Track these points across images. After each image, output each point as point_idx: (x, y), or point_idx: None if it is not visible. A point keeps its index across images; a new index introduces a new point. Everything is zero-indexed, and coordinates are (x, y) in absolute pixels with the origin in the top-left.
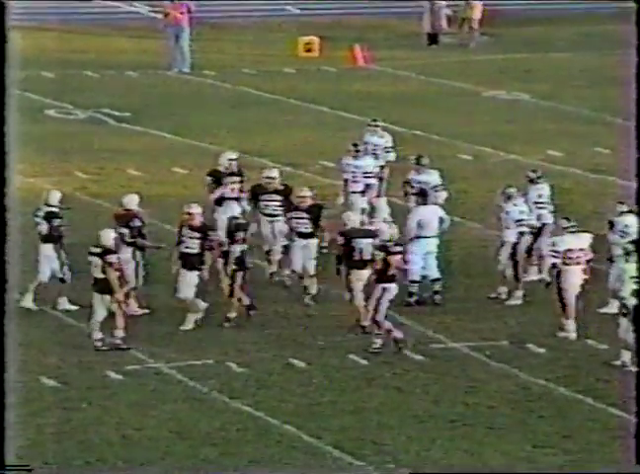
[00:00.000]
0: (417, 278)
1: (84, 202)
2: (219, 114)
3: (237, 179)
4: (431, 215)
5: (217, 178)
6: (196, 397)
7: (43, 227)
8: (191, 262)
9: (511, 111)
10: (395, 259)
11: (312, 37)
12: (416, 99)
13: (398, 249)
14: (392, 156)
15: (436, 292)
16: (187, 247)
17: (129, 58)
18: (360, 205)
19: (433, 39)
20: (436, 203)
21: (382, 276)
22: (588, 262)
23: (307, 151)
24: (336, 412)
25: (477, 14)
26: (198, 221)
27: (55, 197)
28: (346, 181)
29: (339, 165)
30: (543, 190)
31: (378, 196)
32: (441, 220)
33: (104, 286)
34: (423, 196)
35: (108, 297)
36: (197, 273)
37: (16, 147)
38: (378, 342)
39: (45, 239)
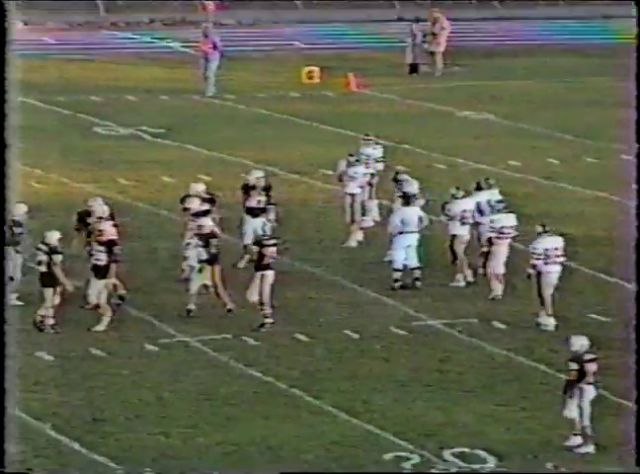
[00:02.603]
0: (400, 267)
1: (125, 205)
2: (237, 130)
3: (263, 193)
4: (412, 215)
5: (247, 191)
6: (217, 365)
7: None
8: (100, 272)
9: (478, 128)
10: (269, 250)
11: (314, 66)
12: (400, 118)
13: (272, 242)
14: (382, 165)
15: (416, 279)
16: (96, 259)
17: (163, 85)
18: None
19: (413, 68)
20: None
21: (259, 264)
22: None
23: (310, 162)
24: (333, 378)
25: (441, 48)
26: (105, 237)
27: (22, 209)
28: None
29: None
30: (494, 194)
31: (370, 198)
32: (421, 219)
33: (49, 280)
34: (405, 198)
35: (51, 290)
36: (104, 281)
37: (69, 159)
38: (268, 320)
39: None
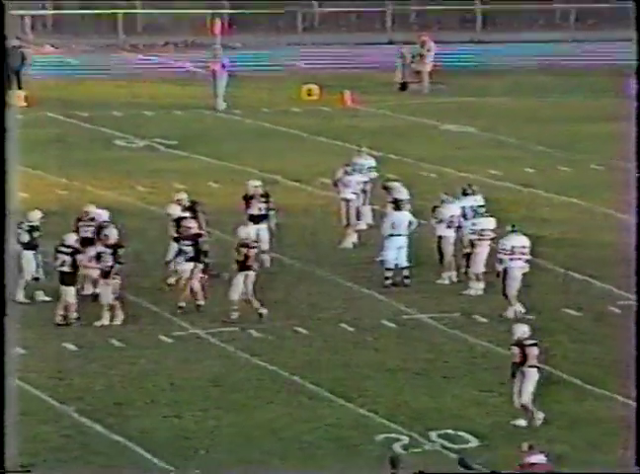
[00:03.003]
0: (391, 266)
1: (142, 209)
2: (244, 142)
3: (263, 199)
4: (402, 219)
5: (248, 200)
6: (225, 355)
7: (25, 237)
8: (105, 273)
9: (461, 140)
10: (251, 252)
11: (313, 85)
12: (391, 131)
13: (255, 245)
14: (374, 174)
15: (405, 277)
16: (103, 261)
17: (176, 101)
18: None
19: (403, 86)
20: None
21: (243, 265)
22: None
23: (310, 171)
24: (330, 366)
25: (428, 67)
26: (112, 241)
27: (37, 215)
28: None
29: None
30: (478, 200)
31: (363, 204)
32: (410, 223)
33: (70, 279)
34: (396, 204)
35: (72, 288)
36: (113, 281)
37: (91, 168)
38: (263, 310)
39: (26, 246)
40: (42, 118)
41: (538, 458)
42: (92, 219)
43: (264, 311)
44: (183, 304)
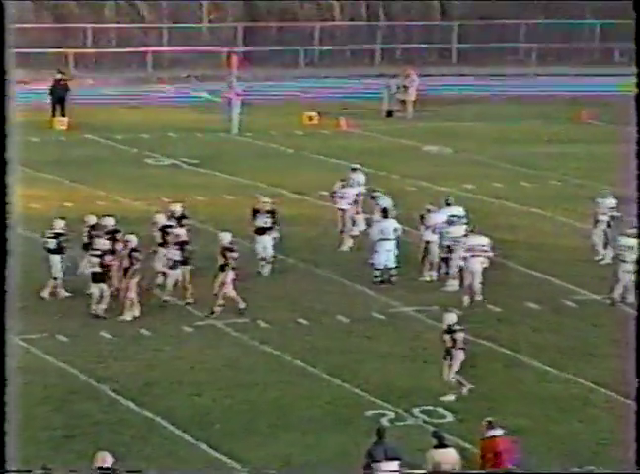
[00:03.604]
0: (381, 267)
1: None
2: (254, 160)
3: (267, 215)
4: (388, 226)
5: (255, 214)
6: (238, 343)
7: (53, 243)
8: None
9: (440, 159)
10: (231, 255)
11: (313, 112)
12: (379, 151)
13: (235, 247)
14: (364, 188)
15: (392, 276)
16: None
17: (196, 125)
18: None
19: (389, 113)
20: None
21: (225, 266)
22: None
23: (310, 185)
24: (328, 352)
25: (411, 96)
26: (133, 245)
27: (60, 224)
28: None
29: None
30: (459, 211)
31: (357, 213)
32: (396, 229)
33: (101, 277)
34: (384, 213)
35: (103, 285)
36: (134, 281)
37: (125, 183)
38: (217, 310)
39: (54, 251)
40: (83, 140)
41: (497, 432)
42: (92, 227)
43: (217, 310)
44: (168, 298)
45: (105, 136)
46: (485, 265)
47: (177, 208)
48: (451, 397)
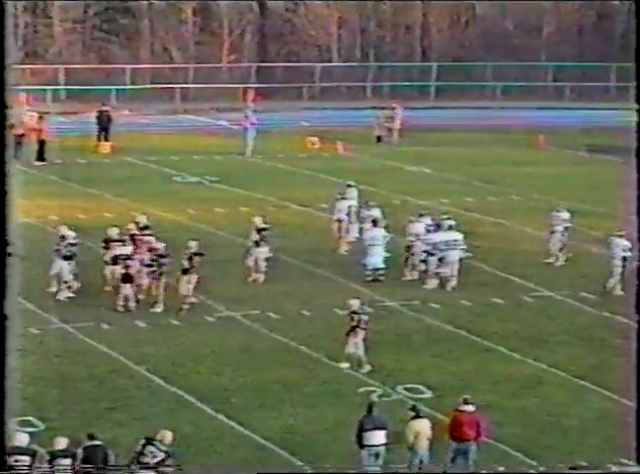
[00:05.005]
0: (371, 268)
1: (191, 226)
2: (264, 178)
3: (257, 231)
4: (378, 233)
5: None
6: (251, 331)
7: (64, 251)
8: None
9: (421, 177)
10: (197, 259)
11: (314, 137)
12: (370, 171)
13: (200, 252)
14: (357, 202)
15: (381, 275)
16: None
17: (217, 149)
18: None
19: (379, 139)
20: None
21: (189, 269)
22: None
23: (312, 198)
24: (327, 339)
25: (397, 125)
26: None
27: (71, 234)
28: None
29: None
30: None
31: (351, 222)
32: (384, 236)
33: (127, 278)
34: (374, 222)
35: (128, 285)
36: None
37: (156, 197)
38: (185, 307)
39: (65, 258)
40: (123, 162)
41: (469, 408)
42: (63, 238)
43: (185, 308)
44: (142, 297)
45: (140, 158)
46: (462, 255)
47: (142, 218)
48: (345, 365)
